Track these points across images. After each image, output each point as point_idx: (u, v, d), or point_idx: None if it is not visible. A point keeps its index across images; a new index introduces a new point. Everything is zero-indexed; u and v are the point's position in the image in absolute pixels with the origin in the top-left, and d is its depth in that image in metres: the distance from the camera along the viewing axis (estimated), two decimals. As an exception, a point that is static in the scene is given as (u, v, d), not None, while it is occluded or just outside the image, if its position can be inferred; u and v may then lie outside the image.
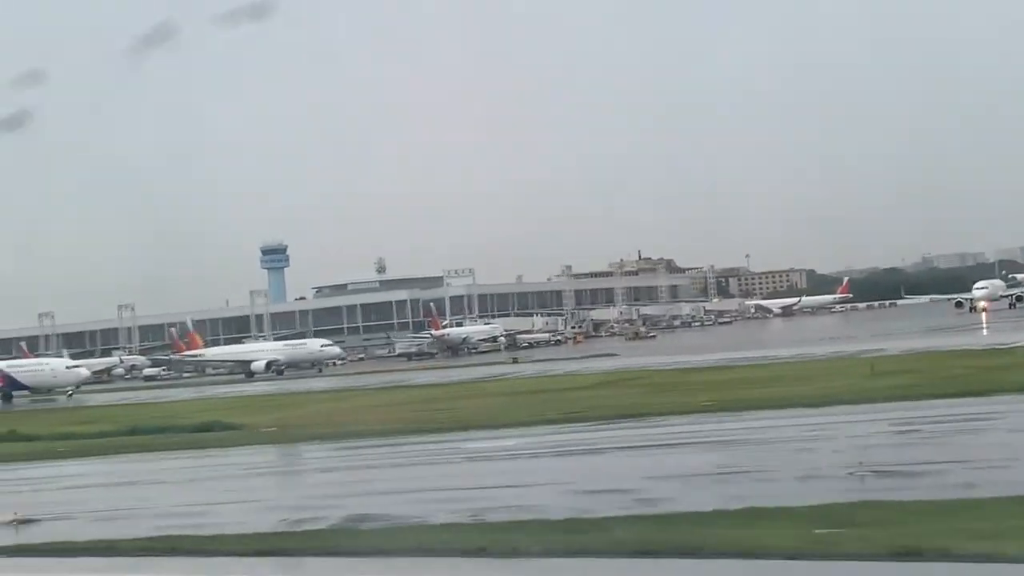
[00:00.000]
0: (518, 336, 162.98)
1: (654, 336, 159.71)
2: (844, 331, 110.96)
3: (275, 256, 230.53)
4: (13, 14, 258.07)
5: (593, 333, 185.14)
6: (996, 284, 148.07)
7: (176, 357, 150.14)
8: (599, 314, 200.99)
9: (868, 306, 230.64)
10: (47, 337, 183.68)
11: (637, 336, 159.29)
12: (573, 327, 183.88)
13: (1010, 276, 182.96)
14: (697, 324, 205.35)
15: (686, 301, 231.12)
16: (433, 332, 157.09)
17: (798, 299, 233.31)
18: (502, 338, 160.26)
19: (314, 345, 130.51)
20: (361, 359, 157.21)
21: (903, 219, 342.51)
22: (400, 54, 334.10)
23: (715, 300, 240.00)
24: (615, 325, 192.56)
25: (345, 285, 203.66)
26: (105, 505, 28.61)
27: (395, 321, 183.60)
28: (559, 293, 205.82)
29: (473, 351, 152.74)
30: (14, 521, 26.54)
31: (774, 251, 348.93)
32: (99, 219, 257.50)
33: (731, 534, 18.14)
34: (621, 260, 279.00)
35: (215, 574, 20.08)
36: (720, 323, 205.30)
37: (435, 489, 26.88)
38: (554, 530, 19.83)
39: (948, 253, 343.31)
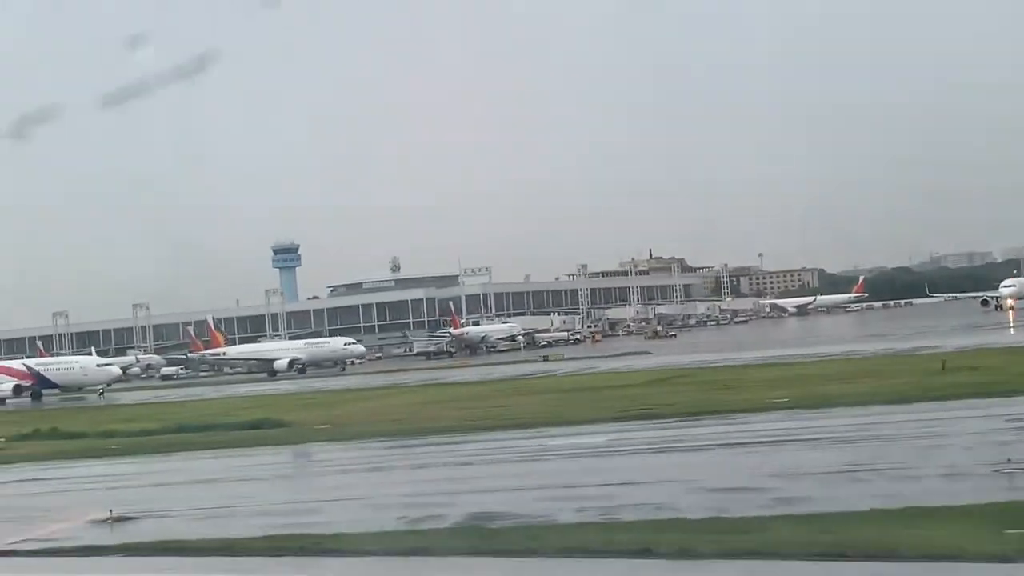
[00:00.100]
0: (536, 335, 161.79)
1: (674, 335, 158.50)
2: (876, 330, 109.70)
3: (287, 255, 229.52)
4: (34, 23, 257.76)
5: (609, 332, 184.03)
6: (1022, 282, 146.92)
7: (194, 355, 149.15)
8: (614, 313, 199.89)
9: (884, 305, 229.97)
10: (61, 336, 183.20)
11: (656, 335, 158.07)
12: (589, 326, 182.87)
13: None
14: (713, 323, 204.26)
15: (700, 300, 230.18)
16: (452, 331, 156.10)
17: (813, 298, 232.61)
18: (520, 337, 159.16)
19: (337, 343, 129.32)
20: (378, 358, 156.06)
21: (909, 218, 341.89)
22: (409, 55, 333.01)
23: (728, 299, 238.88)
24: (631, 324, 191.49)
25: (360, 284, 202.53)
26: (198, 503, 27.61)
27: (411, 320, 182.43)
28: (574, 292, 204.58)
29: (492, 350, 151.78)
30: (109, 519, 25.62)
31: (780, 250, 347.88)
32: (111, 219, 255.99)
33: (914, 535, 17.17)
34: (632, 259, 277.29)
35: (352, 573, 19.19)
36: (736, 322, 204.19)
37: (546, 487, 25.88)
38: (712, 530, 18.86)
39: (955, 252, 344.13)
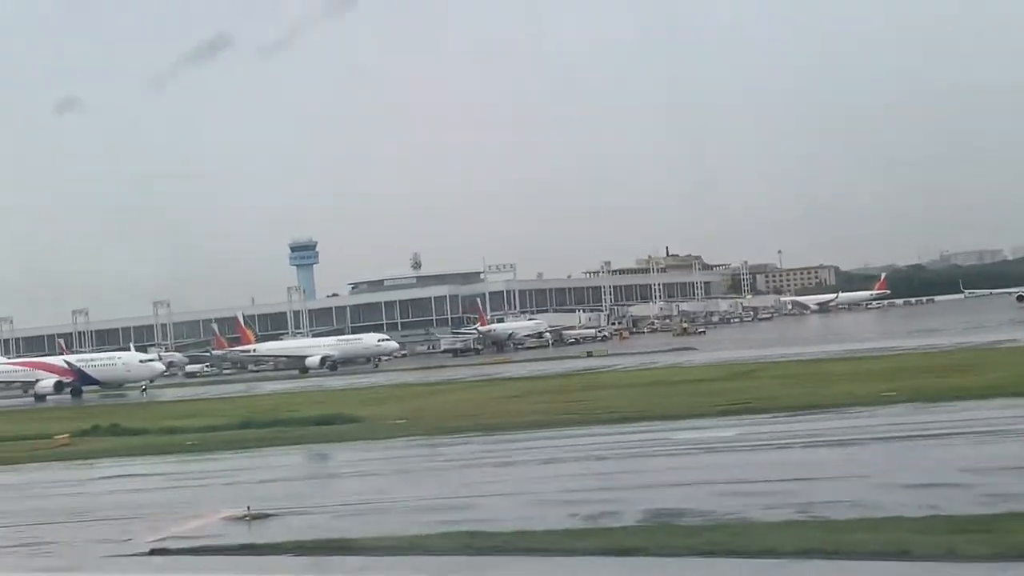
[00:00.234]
0: (564, 332, 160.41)
1: (703, 332, 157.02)
2: (922, 325, 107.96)
3: (304, 253, 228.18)
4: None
5: (633, 329, 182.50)
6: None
7: (219, 353, 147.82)
8: (638, 310, 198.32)
9: (905, 302, 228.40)
10: (81, 334, 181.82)
11: (685, 332, 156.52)
12: (613, 323, 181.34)
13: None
14: (736, 320, 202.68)
15: (722, 297, 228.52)
16: (480, 328, 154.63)
17: (835, 295, 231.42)
18: (547, 334, 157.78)
19: (370, 340, 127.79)
20: (403, 355, 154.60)
21: (915, 217, 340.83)
22: (425, 51, 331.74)
23: (748, 297, 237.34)
24: (655, 321, 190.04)
25: (382, 281, 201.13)
26: (331, 499, 26.11)
27: (434, 317, 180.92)
28: (596, 289, 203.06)
29: (519, 347, 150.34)
30: (247, 516, 24.12)
31: (790, 249, 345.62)
32: (126, 218, 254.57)
33: None
34: (649, 257, 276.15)
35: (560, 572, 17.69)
36: (760, 319, 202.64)
37: (711, 482, 24.28)
38: (964, 529, 17.28)
39: (966, 251, 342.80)
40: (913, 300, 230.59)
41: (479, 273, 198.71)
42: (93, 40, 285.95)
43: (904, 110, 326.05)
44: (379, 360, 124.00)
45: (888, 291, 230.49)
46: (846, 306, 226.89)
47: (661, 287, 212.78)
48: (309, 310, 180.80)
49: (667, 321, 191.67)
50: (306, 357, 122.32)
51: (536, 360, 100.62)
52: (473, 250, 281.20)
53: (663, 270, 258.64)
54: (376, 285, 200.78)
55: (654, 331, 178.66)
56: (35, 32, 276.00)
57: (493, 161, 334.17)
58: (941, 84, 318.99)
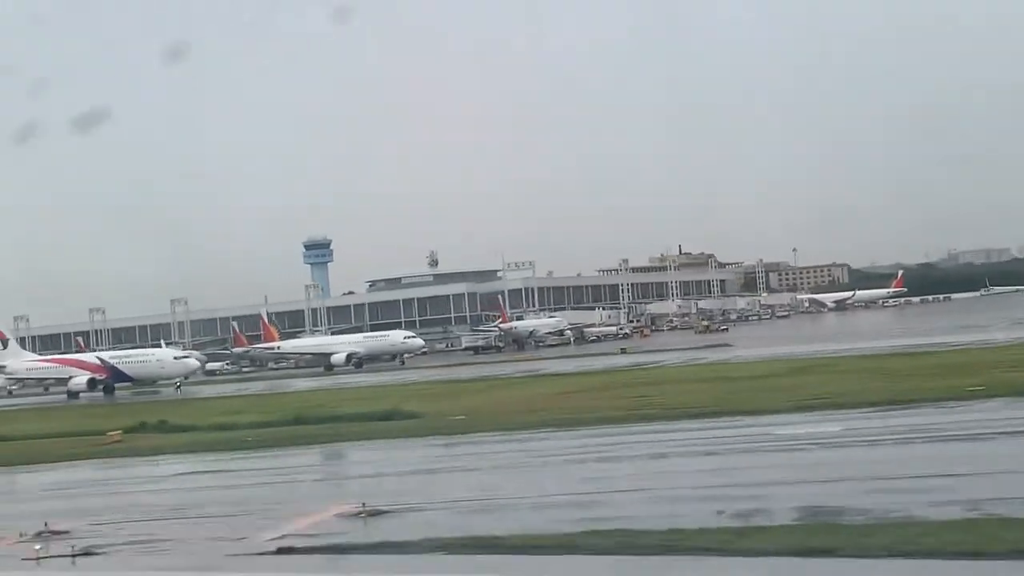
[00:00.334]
0: (585, 329, 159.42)
1: (726, 329, 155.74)
2: (959, 321, 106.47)
3: (319, 251, 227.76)
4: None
5: (653, 327, 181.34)
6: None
7: (239, 350, 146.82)
8: (656, 308, 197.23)
9: (922, 300, 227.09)
10: (98, 332, 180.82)
11: (708, 329, 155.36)
12: (632, 320, 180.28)
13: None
14: (754, 318, 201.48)
15: (739, 295, 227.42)
16: (501, 325, 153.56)
17: (852, 293, 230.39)
18: (568, 331, 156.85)
19: (396, 337, 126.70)
20: (424, 353, 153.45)
21: (923, 216, 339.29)
22: (437, 51, 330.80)
23: (764, 295, 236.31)
24: (674, 319, 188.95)
25: (399, 279, 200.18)
26: (442, 495, 25.06)
27: (452, 315, 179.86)
28: (613, 287, 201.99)
29: (540, 344, 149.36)
30: (362, 513, 23.12)
31: (797, 247, 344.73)
32: (139, 218, 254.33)
33: None
34: (661, 255, 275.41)
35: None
36: (778, 317, 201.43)
37: (845, 479, 23.25)
38: None
39: (973, 249, 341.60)
40: (930, 298, 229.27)
41: (496, 271, 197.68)
42: (106, 42, 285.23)
43: (908, 110, 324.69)
44: (404, 358, 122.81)
45: (905, 289, 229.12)
46: (863, 304, 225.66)
47: (677, 285, 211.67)
48: (327, 308, 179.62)
49: (685, 319, 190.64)
50: (332, 354, 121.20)
51: (568, 357, 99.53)
52: (478, 249, 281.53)
53: (676, 268, 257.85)
54: (393, 283, 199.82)
55: (673, 329, 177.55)
56: (45, 32, 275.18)
57: (501, 161, 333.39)
58: (942, 84, 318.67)
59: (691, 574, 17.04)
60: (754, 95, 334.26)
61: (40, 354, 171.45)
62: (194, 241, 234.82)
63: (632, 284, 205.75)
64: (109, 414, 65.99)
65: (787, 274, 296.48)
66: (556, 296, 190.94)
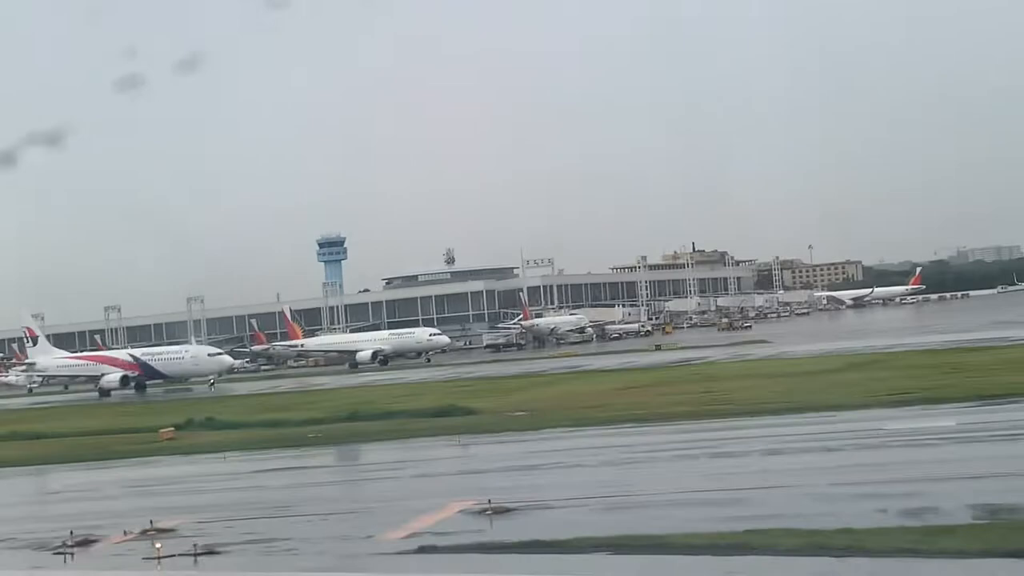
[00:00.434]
0: (606, 327, 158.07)
1: (749, 326, 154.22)
2: (992, 317, 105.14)
3: (333, 249, 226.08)
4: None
5: (672, 324, 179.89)
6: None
7: (258, 348, 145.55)
8: (674, 305, 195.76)
9: (940, 297, 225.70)
10: (115, 331, 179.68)
11: (731, 326, 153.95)
12: (652, 317, 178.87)
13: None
14: (773, 315, 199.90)
15: (757, 293, 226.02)
16: (523, 323, 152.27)
17: (870, 290, 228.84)
18: (589, 329, 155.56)
19: (422, 334, 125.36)
20: (443, 351, 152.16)
21: (930, 214, 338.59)
22: (450, 47, 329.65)
23: (780, 292, 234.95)
24: (693, 316, 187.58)
25: (416, 276, 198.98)
26: (562, 492, 23.85)
27: (470, 313, 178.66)
28: (631, 284, 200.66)
29: (561, 342, 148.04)
30: (487, 510, 22.01)
31: (805, 245, 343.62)
32: (152, 216, 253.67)
33: None
34: (675, 252, 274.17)
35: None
36: (797, 314, 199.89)
37: (995, 475, 22.07)
38: None
39: (983, 247, 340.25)
40: (948, 295, 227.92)
41: (512, 268, 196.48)
42: (118, 43, 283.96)
43: (913, 109, 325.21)
44: (430, 355, 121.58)
45: (923, 286, 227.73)
46: (880, 301, 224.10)
47: (695, 282, 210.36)
48: (344, 305, 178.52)
49: (704, 316, 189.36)
50: (357, 351, 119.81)
51: (601, 354, 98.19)
52: (488, 247, 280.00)
53: (692, 266, 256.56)
54: (410, 280, 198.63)
55: (693, 326, 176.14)
56: (52, 31, 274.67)
57: (512, 159, 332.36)
58: (946, 84, 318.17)
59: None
60: (763, 94, 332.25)
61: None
62: (206, 240, 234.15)
63: (649, 281, 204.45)
64: (148, 411, 65.04)
65: (800, 271, 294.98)
66: (573, 293, 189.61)
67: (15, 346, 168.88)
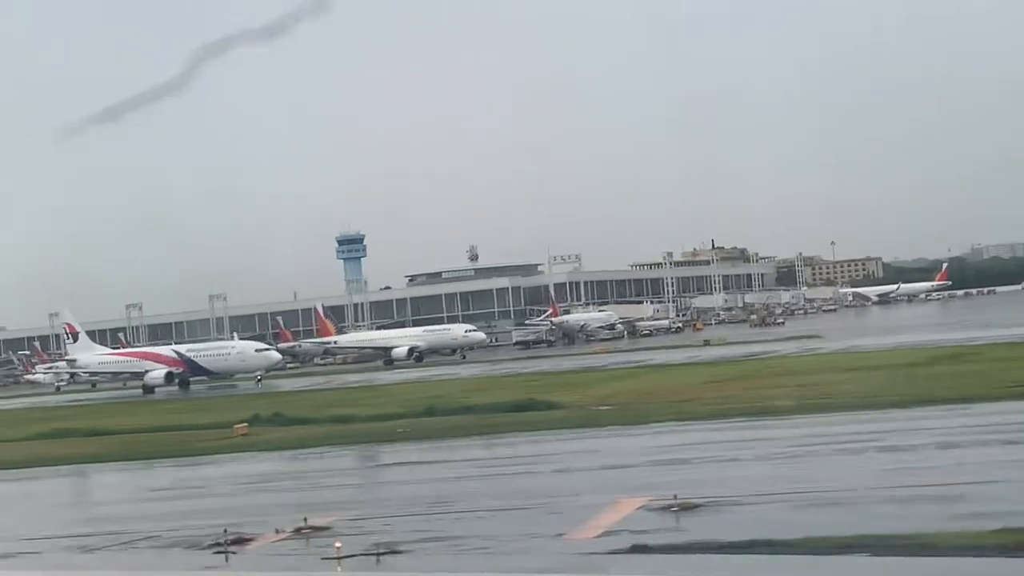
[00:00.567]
0: (636, 323, 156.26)
1: (782, 322, 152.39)
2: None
3: (352, 246, 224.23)
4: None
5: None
6: None
7: (285, 345, 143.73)
8: (701, 302, 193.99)
9: (966, 293, 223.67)
10: (136, 328, 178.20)
11: (764, 322, 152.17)
12: (679, 314, 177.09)
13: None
14: (800, 312, 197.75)
15: (783, 289, 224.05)
16: (553, 319, 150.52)
17: (896, 286, 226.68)
18: (619, 325, 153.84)
19: (458, 330, 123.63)
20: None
21: (942, 210, 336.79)
22: (466, 43, 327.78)
23: (804, 288, 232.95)
24: (721, 313, 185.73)
25: (439, 273, 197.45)
26: (740, 488, 22.06)
27: (496, 309, 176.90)
28: (655, 281, 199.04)
29: (591, 339, 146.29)
30: (673, 506, 20.31)
31: (819, 242, 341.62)
32: (170, 215, 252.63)
33: None
34: (695, 249, 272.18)
35: None
36: (824, 311, 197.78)
37: None
38: None
39: (996, 243, 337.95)
40: (974, 291, 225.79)
41: (536, 265, 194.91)
42: (141, 40, 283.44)
43: (927, 107, 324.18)
44: (465, 352, 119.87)
45: (950, 282, 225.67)
46: (905, 297, 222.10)
47: (720, 279, 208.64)
48: (369, 303, 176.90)
49: (731, 312, 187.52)
50: (392, 348, 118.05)
51: (649, 349, 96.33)
52: (501, 245, 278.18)
53: (708, 262, 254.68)
54: (434, 277, 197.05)
55: (721, 322, 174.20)
56: (73, 30, 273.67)
57: (522, 158, 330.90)
58: (951, 83, 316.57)
59: None
60: (776, 93, 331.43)
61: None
62: (224, 239, 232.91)
63: (674, 278, 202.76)
64: (199, 408, 63.55)
65: (821, 268, 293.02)
66: (598, 290, 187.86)
67: (37, 344, 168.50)
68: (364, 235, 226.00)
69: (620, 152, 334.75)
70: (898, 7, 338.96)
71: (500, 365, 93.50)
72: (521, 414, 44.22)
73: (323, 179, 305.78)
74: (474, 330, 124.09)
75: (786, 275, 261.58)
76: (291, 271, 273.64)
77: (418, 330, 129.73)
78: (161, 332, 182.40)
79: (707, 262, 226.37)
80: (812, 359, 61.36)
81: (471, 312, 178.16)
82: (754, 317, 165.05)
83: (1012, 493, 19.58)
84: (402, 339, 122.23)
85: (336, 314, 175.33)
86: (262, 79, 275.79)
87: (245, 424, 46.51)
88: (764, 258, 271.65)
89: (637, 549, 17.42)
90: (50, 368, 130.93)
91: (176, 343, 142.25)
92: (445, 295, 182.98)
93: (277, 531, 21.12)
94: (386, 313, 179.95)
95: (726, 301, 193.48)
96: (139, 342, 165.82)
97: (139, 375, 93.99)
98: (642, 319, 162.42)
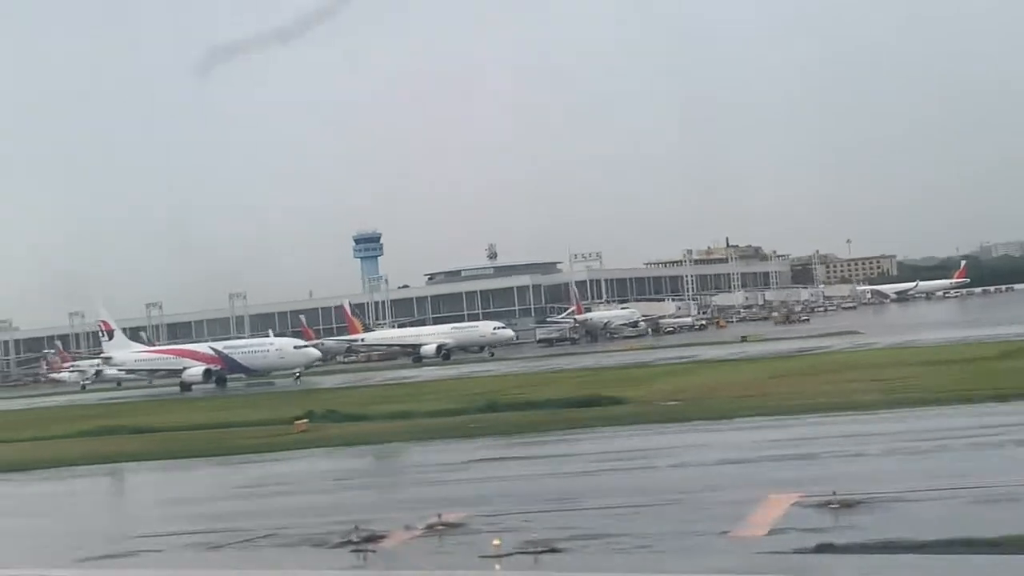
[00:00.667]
0: (659, 321, 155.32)
1: (807, 320, 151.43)
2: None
3: (369, 245, 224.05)
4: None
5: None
6: None
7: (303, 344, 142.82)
8: (721, 299, 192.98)
9: (984, 291, 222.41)
10: (157, 327, 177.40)
11: (788, 320, 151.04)
12: (700, 312, 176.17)
13: None
14: (820, 309, 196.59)
15: (802, 287, 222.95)
16: (577, 317, 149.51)
17: (915, 283, 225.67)
18: (642, 323, 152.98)
19: (486, 328, 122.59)
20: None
21: (948, 209, 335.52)
22: (484, 42, 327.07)
23: (822, 286, 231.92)
24: (742, 310, 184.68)
25: (458, 271, 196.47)
26: (896, 485, 20.82)
27: (516, 308, 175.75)
28: (674, 279, 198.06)
29: (615, 336, 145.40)
30: (831, 503, 19.16)
31: (829, 240, 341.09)
32: (186, 214, 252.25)
33: None
34: (708, 248, 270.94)
35: None
36: (843, 308, 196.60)
37: None
38: None
39: (1006, 241, 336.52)
40: (991, 289, 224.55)
41: (555, 263, 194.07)
42: (155, 40, 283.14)
43: (923, 108, 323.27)
44: (493, 349, 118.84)
45: (968, 280, 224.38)
46: (923, 295, 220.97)
47: (739, 276, 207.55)
48: (389, 300, 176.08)
49: (751, 310, 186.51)
50: (421, 345, 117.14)
51: (685, 345, 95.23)
52: (517, 243, 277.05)
53: (723, 260, 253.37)
54: (453, 275, 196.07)
55: (742, 320, 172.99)
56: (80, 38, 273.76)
57: (536, 158, 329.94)
58: (957, 83, 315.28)
59: None
60: (774, 94, 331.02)
61: (91, 349, 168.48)
62: (238, 238, 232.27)
63: (693, 276, 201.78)
64: (246, 404, 62.37)
65: (835, 266, 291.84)
66: (618, 288, 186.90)
67: (59, 343, 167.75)
68: (380, 234, 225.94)
69: (624, 152, 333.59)
70: (897, 7, 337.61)
71: (532, 362, 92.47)
72: (589, 409, 43.13)
73: (334, 179, 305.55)
74: (503, 327, 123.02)
75: (800, 273, 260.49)
76: (304, 270, 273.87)
77: (446, 327, 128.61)
78: (180, 331, 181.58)
79: (723, 260, 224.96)
80: (871, 354, 60.17)
81: (491, 310, 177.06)
82: (776, 315, 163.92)
83: None
84: (431, 336, 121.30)
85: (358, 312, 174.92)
86: (276, 78, 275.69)
87: (305, 420, 45.52)
88: (779, 256, 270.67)
89: (823, 549, 16.33)
90: (74, 367, 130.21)
91: (212, 340, 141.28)
92: (465, 293, 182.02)
93: (407, 528, 20.06)
94: (406, 311, 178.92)
95: (746, 299, 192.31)
96: (159, 341, 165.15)
97: (177, 372, 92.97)
98: (664, 316, 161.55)
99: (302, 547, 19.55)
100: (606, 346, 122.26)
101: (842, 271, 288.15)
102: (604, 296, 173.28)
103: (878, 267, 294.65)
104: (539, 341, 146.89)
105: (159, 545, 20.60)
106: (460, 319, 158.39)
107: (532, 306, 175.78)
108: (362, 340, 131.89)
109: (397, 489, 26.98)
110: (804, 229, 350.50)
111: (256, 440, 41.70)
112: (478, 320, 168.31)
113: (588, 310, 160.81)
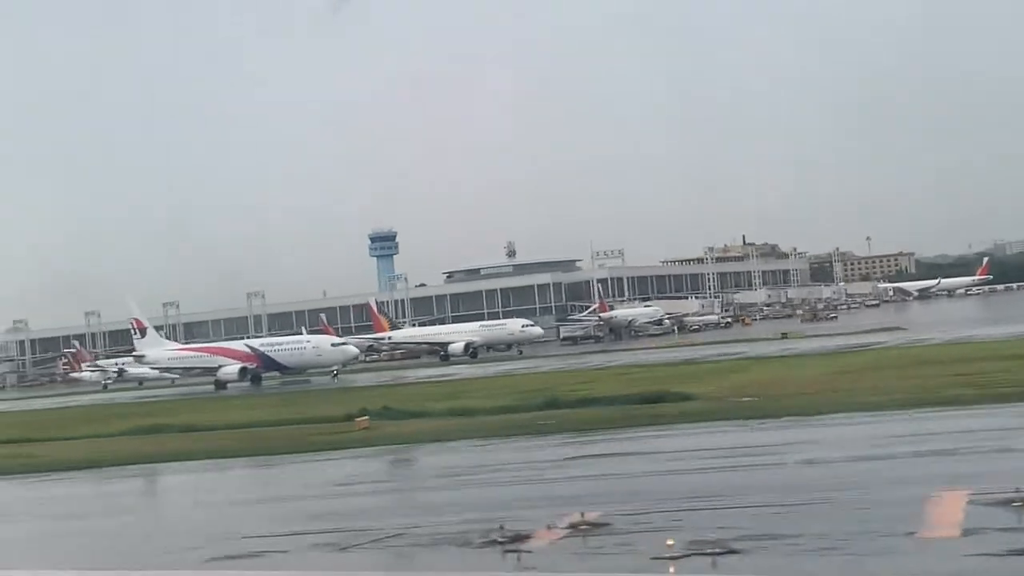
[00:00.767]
0: (684, 319, 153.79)
1: (835, 317, 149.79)
2: None
3: (384, 243, 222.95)
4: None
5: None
6: None
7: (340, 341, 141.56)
8: (743, 297, 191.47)
9: (1006, 288, 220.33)
10: (174, 327, 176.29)
11: (815, 317, 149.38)
12: (725, 309, 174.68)
13: None
14: (843, 307, 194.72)
15: (824, 284, 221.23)
16: (601, 315, 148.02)
17: (937, 280, 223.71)
18: (667, 321, 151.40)
19: (514, 325, 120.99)
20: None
21: (957, 207, 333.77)
22: (497, 40, 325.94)
23: (842, 284, 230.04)
24: (764, 308, 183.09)
25: (477, 270, 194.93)
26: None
27: (537, 306, 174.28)
28: (695, 276, 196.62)
29: (639, 334, 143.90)
30: (1014, 501, 17.77)
31: (836, 238, 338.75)
32: (199, 214, 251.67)
33: None
34: (725, 246, 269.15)
35: None
36: (866, 305, 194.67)
37: None
38: None
39: (1016, 239, 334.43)
40: (1015, 286, 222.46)
41: (575, 261, 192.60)
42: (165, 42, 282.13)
43: (933, 107, 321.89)
44: (521, 347, 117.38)
45: (991, 276, 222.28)
46: (945, 292, 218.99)
47: (759, 274, 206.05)
48: (408, 299, 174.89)
49: (773, 308, 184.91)
50: (448, 343, 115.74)
51: (720, 343, 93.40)
52: (534, 241, 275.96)
53: (740, 258, 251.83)
54: (472, 274, 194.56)
55: (765, 317, 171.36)
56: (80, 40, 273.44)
57: (549, 156, 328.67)
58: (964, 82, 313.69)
59: None
60: (776, 93, 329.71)
61: (107, 349, 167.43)
62: (252, 237, 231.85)
63: (714, 273, 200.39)
64: (286, 403, 61.12)
65: (853, 263, 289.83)
66: (640, 286, 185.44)
67: (76, 343, 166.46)
68: (396, 232, 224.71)
69: (636, 151, 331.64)
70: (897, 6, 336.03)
71: (565, 360, 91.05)
72: (660, 405, 41.82)
73: (348, 178, 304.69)
74: (531, 325, 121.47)
75: (818, 271, 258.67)
76: (315, 270, 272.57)
77: (474, 325, 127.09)
78: (197, 330, 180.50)
79: (741, 258, 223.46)
80: (932, 349, 58.58)
81: (511, 308, 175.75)
82: (802, 312, 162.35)
83: None
84: (458, 334, 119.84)
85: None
86: (276, 79, 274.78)
87: (367, 417, 44.31)
88: (797, 253, 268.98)
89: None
90: (95, 366, 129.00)
91: (227, 340, 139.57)
92: (485, 291, 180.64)
93: (549, 527, 18.74)
94: (425, 310, 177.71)
95: (768, 296, 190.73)
96: (177, 339, 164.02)
97: (212, 370, 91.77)
98: (688, 315, 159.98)
99: (444, 547, 18.22)
100: (631, 344, 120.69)
101: (861, 268, 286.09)
102: (626, 294, 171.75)
103: (896, 264, 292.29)
104: (563, 339, 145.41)
105: (281, 545, 19.26)
106: (480, 317, 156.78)
107: (552, 304, 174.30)
108: (389, 338, 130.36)
109: (503, 487, 25.57)
110: (817, 227, 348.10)
111: (321, 438, 40.56)
112: (498, 318, 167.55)
113: (611, 308, 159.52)
